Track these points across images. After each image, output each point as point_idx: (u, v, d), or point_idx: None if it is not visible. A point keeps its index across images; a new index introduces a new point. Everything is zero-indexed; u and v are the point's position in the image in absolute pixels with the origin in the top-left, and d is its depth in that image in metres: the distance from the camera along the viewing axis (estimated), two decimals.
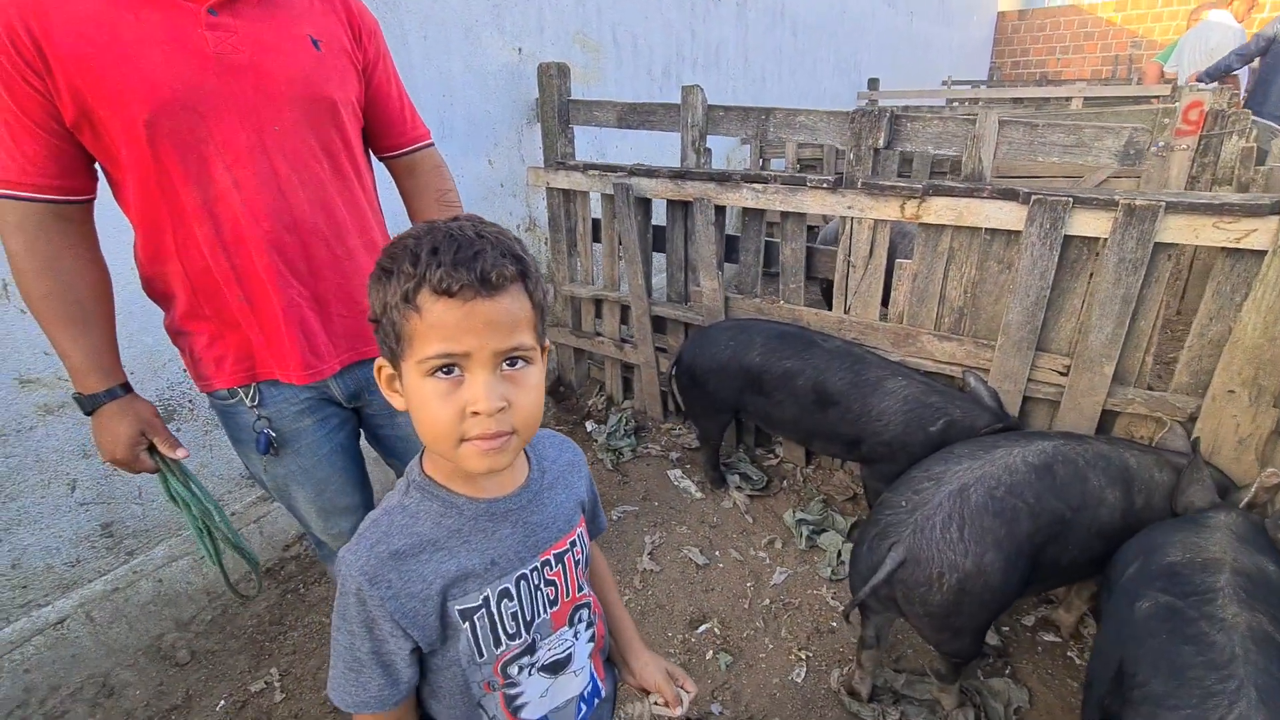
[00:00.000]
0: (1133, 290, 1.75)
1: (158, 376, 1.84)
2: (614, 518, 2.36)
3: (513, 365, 0.65)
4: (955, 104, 6.30)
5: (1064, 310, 1.91)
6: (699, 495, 2.46)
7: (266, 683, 1.77)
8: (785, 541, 2.23)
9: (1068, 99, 5.51)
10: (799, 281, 2.43)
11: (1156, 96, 4.96)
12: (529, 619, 0.76)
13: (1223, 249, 1.66)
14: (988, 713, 1.62)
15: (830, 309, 2.37)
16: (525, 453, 0.80)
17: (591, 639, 0.85)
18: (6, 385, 1.56)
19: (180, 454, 1.12)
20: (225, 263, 1.03)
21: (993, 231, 1.94)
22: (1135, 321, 1.80)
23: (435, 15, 2.41)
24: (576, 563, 0.82)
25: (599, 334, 2.99)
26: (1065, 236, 1.80)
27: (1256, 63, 4.48)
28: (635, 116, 2.64)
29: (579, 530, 0.83)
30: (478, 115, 2.68)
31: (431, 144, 1.32)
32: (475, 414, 0.63)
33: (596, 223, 2.86)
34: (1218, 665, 0.97)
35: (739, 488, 2.46)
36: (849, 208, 2.13)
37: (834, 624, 1.91)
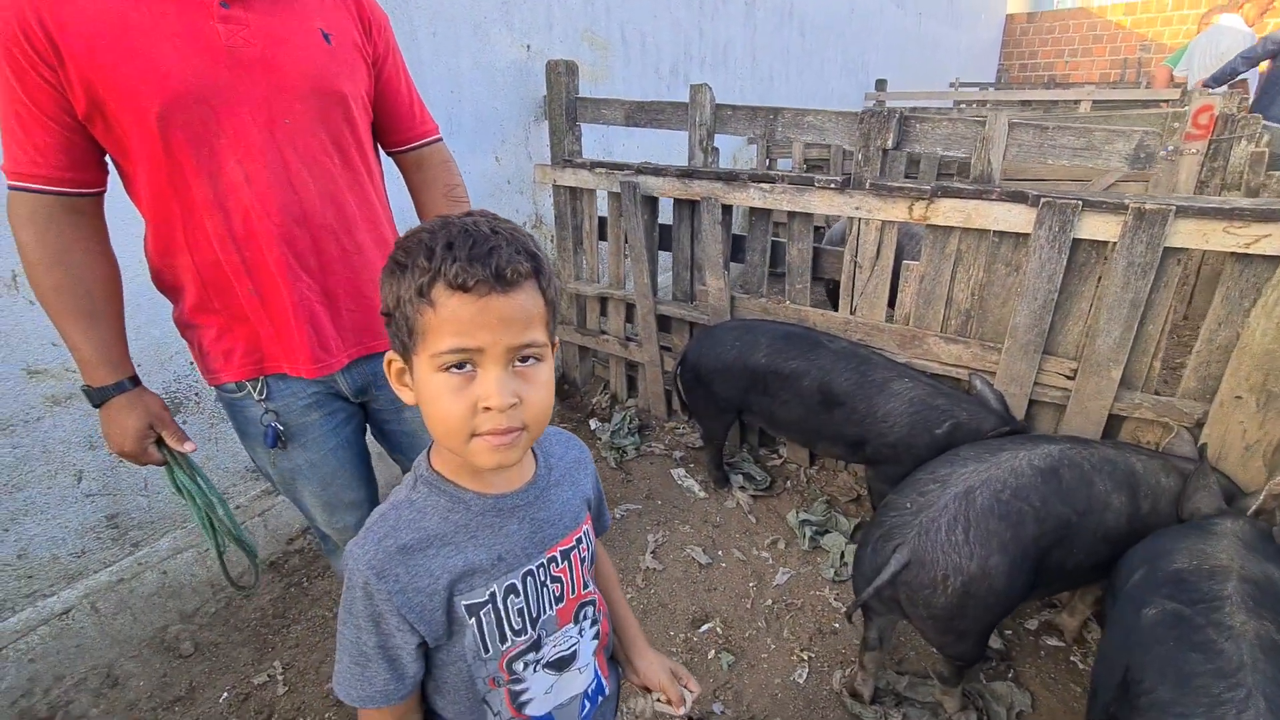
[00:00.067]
0: (1141, 294, 1.74)
1: (165, 369, 1.84)
2: (617, 516, 2.36)
3: (525, 361, 0.65)
4: (963, 106, 6.29)
5: (1071, 314, 1.90)
6: (702, 494, 2.46)
7: (269, 675, 1.78)
8: (788, 542, 2.23)
9: (1076, 102, 5.49)
10: (805, 282, 2.42)
11: (1166, 100, 4.94)
12: (535, 615, 0.76)
13: (1232, 254, 1.65)
14: (990, 716, 1.62)
15: (835, 310, 2.37)
16: (532, 449, 0.80)
17: (596, 636, 0.85)
18: (15, 376, 1.57)
19: (188, 447, 1.13)
20: (235, 256, 1.03)
21: (1001, 234, 1.93)
22: (1143, 326, 1.79)
23: (444, 11, 2.41)
24: (582, 560, 0.82)
25: (604, 332, 2.99)
26: (1074, 240, 1.80)
27: (1265, 66, 4.45)
28: (643, 115, 2.63)
29: (585, 527, 0.83)
30: (485, 112, 2.68)
31: (440, 139, 1.32)
32: (487, 409, 0.63)
33: (603, 221, 2.86)
34: (1226, 673, 0.97)
35: (742, 488, 2.46)
36: (857, 208, 2.13)
37: (836, 625, 1.90)
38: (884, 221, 2.13)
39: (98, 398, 1.05)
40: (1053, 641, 1.84)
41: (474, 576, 0.71)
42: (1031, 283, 1.88)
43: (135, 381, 1.09)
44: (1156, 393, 1.86)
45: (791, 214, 2.32)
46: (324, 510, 1.28)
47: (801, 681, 1.73)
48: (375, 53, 1.15)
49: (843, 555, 2.12)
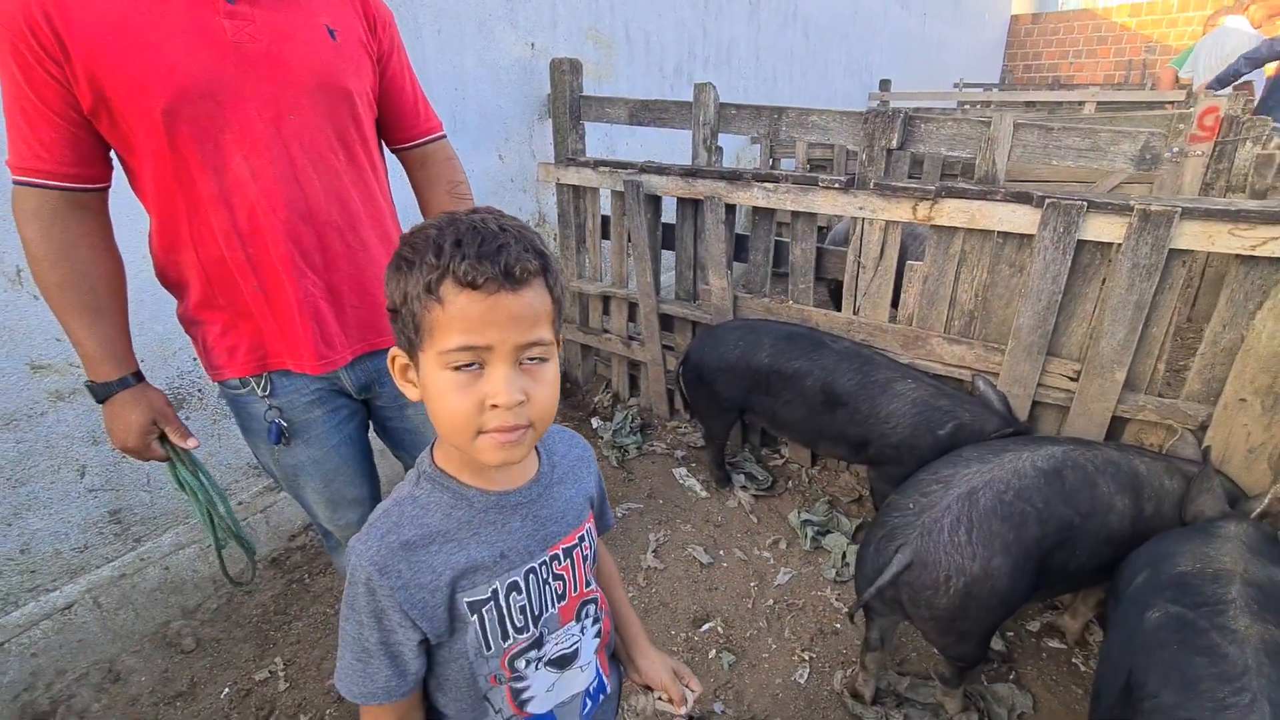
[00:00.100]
0: (1146, 296, 1.73)
1: (168, 365, 1.85)
2: (619, 515, 2.36)
3: (531, 359, 0.65)
4: (966, 107, 6.28)
5: (1075, 315, 1.90)
6: (704, 494, 2.46)
7: (271, 672, 1.78)
8: (790, 542, 2.22)
9: (1080, 103, 5.48)
10: (808, 282, 2.42)
11: (1171, 102, 4.93)
12: (537, 613, 0.76)
13: (1238, 256, 1.65)
14: (991, 717, 1.62)
15: (838, 310, 2.36)
16: (535, 447, 0.80)
17: (598, 635, 0.85)
18: (19, 371, 1.57)
19: (191, 444, 1.13)
20: (240, 252, 1.03)
21: (1005, 235, 1.93)
22: (1148, 328, 1.79)
23: (449, 9, 2.41)
24: (585, 558, 0.82)
25: (606, 331, 2.99)
26: (1078, 241, 1.79)
27: (1273, 69, 4.44)
28: (647, 113, 2.63)
29: (587, 525, 0.83)
30: (489, 110, 2.68)
31: (444, 136, 1.32)
32: (494, 407, 0.63)
33: (606, 219, 2.86)
34: (1230, 678, 0.97)
35: (744, 487, 2.46)
36: (860, 208, 2.12)
37: (838, 625, 1.90)
38: (888, 222, 2.13)
39: (101, 393, 1.05)
40: (1054, 643, 1.84)
41: (476, 573, 0.71)
42: (1035, 284, 1.87)
43: (139, 377, 1.09)
44: (1160, 395, 1.85)
45: (795, 214, 2.32)
46: (326, 507, 1.28)
47: (803, 682, 1.73)
48: (380, 49, 1.16)
49: (844, 556, 2.12)
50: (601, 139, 3.30)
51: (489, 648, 0.73)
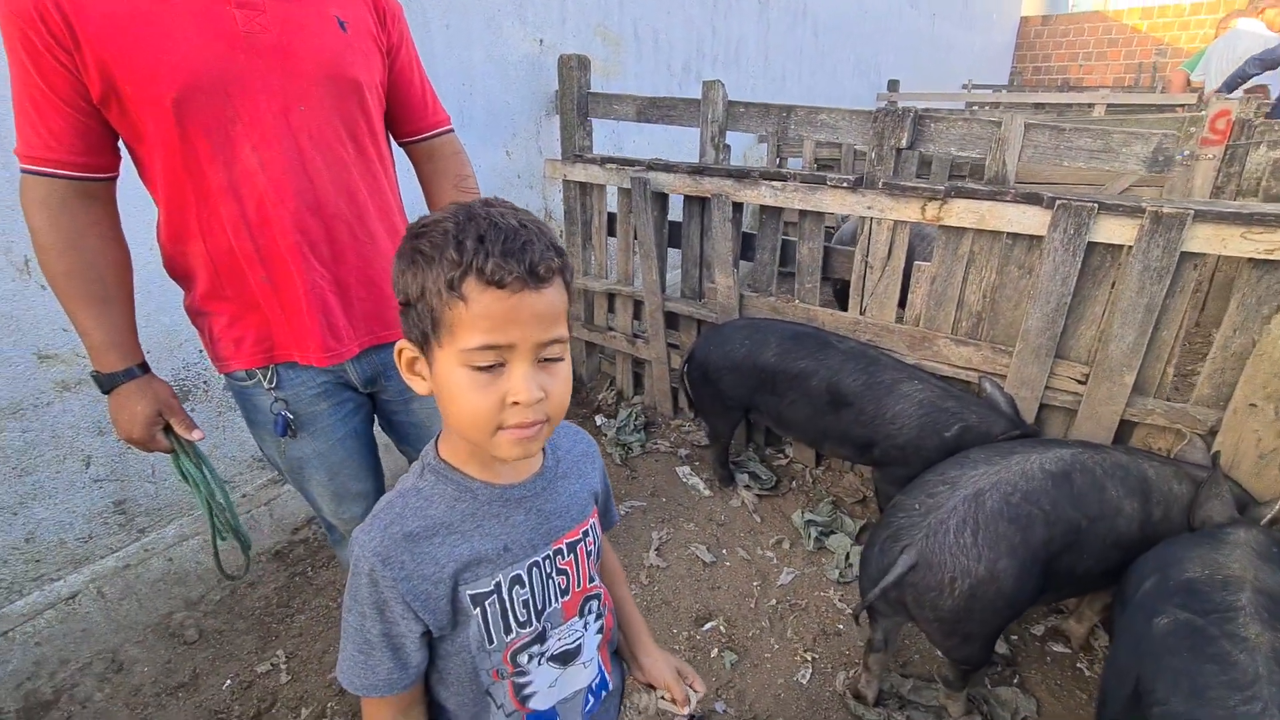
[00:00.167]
0: (1156, 299, 1.72)
1: (174, 356, 1.85)
2: (622, 513, 2.35)
3: (549, 357, 0.65)
4: (975, 108, 6.24)
5: (1084, 318, 1.89)
6: (707, 493, 2.45)
7: (273, 664, 1.78)
8: (793, 542, 2.22)
9: (1090, 106, 5.44)
10: (815, 281, 2.41)
11: (1182, 105, 4.89)
12: (540, 607, 0.75)
13: (1250, 260, 1.63)
14: None
15: (843, 309, 2.35)
16: None
17: (600, 631, 0.85)
18: (26, 360, 1.57)
19: (196, 436, 1.13)
20: (249, 243, 1.03)
21: (1014, 236, 1.92)
22: (1158, 331, 1.77)
23: (458, 4, 2.41)
24: (589, 553, 0.81)
25: (611, 328, 2.99)
26: (1089, 243, 1.78)
27: None
28: (655, 111, 2.62)
29: (591, 521, 0.83)
30: (497, 106, 2.67)
31: (451, 130, 1.32)
32: (515, 404, 0.63)
33: (612, 217, 2.85)
34: (1240, 686, 0.95)
35: (748, 487, 2.45)
36: (869, 208, 2.11)
37: (840, 626, 1.89)
38: (896, 221, 2.12)
39: (107, 384, 1.05)
40: (1059, 648, 1.83)
41: (480, 566, 0.71)
42: (1045, 286, 1.86)
43: (144, 368, 1.08)
44: (1169, 399, 1.84)
45: (803, 213, 2.31)
46: (331, 500, 1.28)
47: (805, 682, 1.73)
48: (390, 42, 1.15)
49: (848, 556, 2.11)
50: (609, 136, 3.29)
51: (491, 641, 0.72)
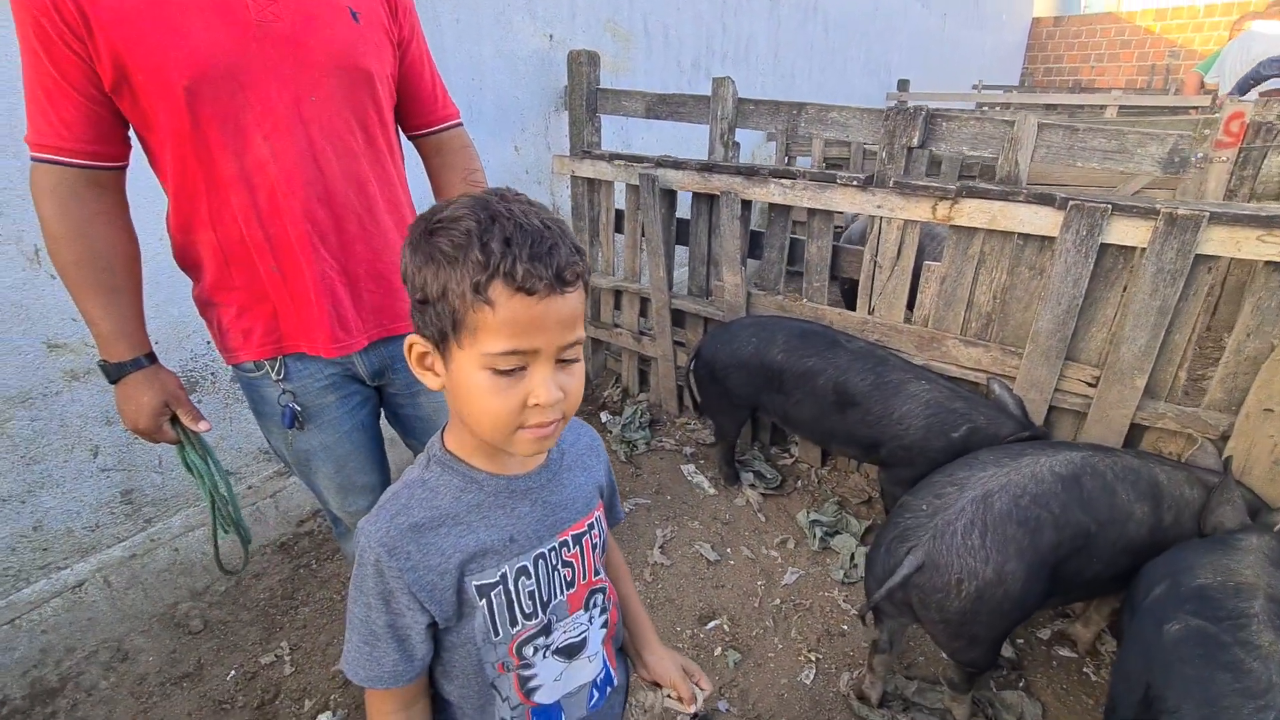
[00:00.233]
0: (1169, 302, 1.70)
1: (181, 348, 1.85)
2: (626, 510, 2.35)
3: (567, 357, 0.65)
4: (985, 108, 6.20)
5: (1096, 320, 1.87)
6: (712, 491, 2.45)
7: (277, 655, 1.78)
8: (798, 542, 2.21)
9: (1102, 107, 5.39)
10: (823, 280, 2.39)
11: (1195, 107, 4.84)
12: (545, 599, 0.75)
13: (1267, 263, 1.61)
14: None
15: (851, 309, 2.34)
16: None
17: (605, 625, 0.84)
18: (35, 349, 1.58)
19: (202, 427, 1.13)
20: (259, 232, 1.02)
21: (1026, 236, 1.90)
22: (1170, 334, 1.76)
23: None
24: (594, 546, 0.81)
25: (617, 325, 2.98)
26: (1101, 244, 1.76)
27: None
28: (664, 107, 2.61)
29: (597, 514, 0.83)
30: (506, 101, 2.67)
31: (461, 123, 1.32)
32: (535, 405, 0.63)
33: (619, 213, 2.85)
34: (1254, 694, 0.94)
35: (753, 485, 2.44)
36: (879, 207, 2.10)
37: (845, 627, 1.89)
38: (906, 221, 2.10)
39: (114, 373, 1.05)
40: (1065, 652, 1.81)
41: (485, 557, 0.70)
42: (1056, 287, 1.84)
43: (152, 358, 1.08)
44: (1180, 403, 1.82)
45: (812, 211, 2.30)
46: (337, 493, 1.28)
47: (808, 682, 1.72)
48: (401, 34, 1.15)
49: (853, 557, 2.10)
50: (617, 132, 3.29)
51: (497, 633, 0.72)
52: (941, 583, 1.40)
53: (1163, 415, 1.81)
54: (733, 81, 2.42)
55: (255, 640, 1.83)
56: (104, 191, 1.00)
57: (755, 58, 4.36)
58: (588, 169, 2.75)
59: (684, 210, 2.67)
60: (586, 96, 2.76)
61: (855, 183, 2.12)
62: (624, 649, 0.96)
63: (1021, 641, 1.84)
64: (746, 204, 2.42)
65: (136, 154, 1.03)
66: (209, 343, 1.88)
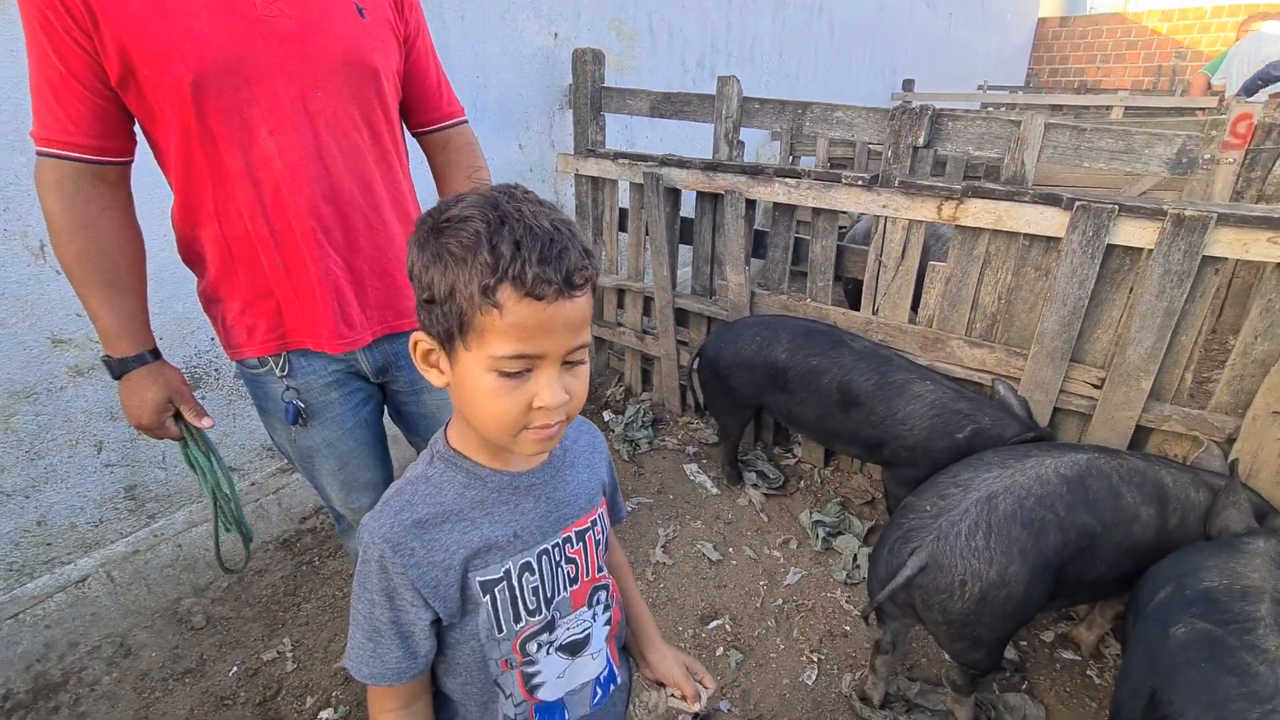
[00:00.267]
0: (1176, 303, 1.69)
1: (185, 344, 1.85)
2: (629, 509, 2.35)
3: (573, 360, 0.65)
4: (990, 109, 6.17)
5: (1101, 321, 1.86)
6: (714, 491, 2.44)
7: (279, 652, 1.79)
8: (800, 542, 2.20)
9: (1108, 108, 5.37)
10: (827, 280, 2.39)
11: (1202, 109, 4.81)
12: (549, 595, 0.75)
13: (1276, 265, 1.61)
14: None
15: (854, 309, 2.33)
16: None
17: (608, 622, 0.84)
18: (40, 345, 1.58)
19: (206, 423, 1.12)
20: (265, 228, 1.02)
21: (1031, 237, 1.89)
22: (1176, 336, 1.75)
23: None
24: (597, 543, 0.81)
25: (620, 324, 2.98)
26: (1108, 245, 1.75)
27: None
28: (669, 106, 2.61)
29: (600, 510, 0.83)
30: (510, 99, 2.67)
31: (465, 121, 1.31)
32: (540, 408, 0.63)
33: (623, 212, 2.84)
34: (1261, 699, 0.93)
35: (755, 485, 2.44)
36: (884, 206, 2.09)
37: (847, 628, 1.88)
38: (911, 221, 2.10)
39: (118, 369, 1.05)
40: (1068, 655, 1.81)
41: (489, 553, 0.70)
42: (1062, 288, 1.83)
43: (156, 354, 1.08)
44: (1186, 405, 1.81)
45: (816, 210, 2.29)
46: (340, 490, 1.28)
47: (810, 683, 1.72)
48: (407, 30, 1.15)
49: (855, 558, 2.09)
50: (621, 131, 3.28)
51: (501, 630, 0.72)
52: (945, 584, 1.39)
53: (1168, 417, 1.80)
54: (738, 80, 2.41)
55: (257, 636, 1.84)
56: (109, 187, 1.00)
57: (760, 57, 4.36)
58: (592, 167, 2.75)
59: (688, 209, 2.66)
60: (591, 95, 2.76)
61: (860, 182, 2.11)
62: (626, 648, 0.96)
63: (1025, 644, 1.83)
64: (751, 203, 2.41)
65: (142, 150, 1.03)
66: (213, 339, 1.89)
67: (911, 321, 2.21)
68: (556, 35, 2.80)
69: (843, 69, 5.50)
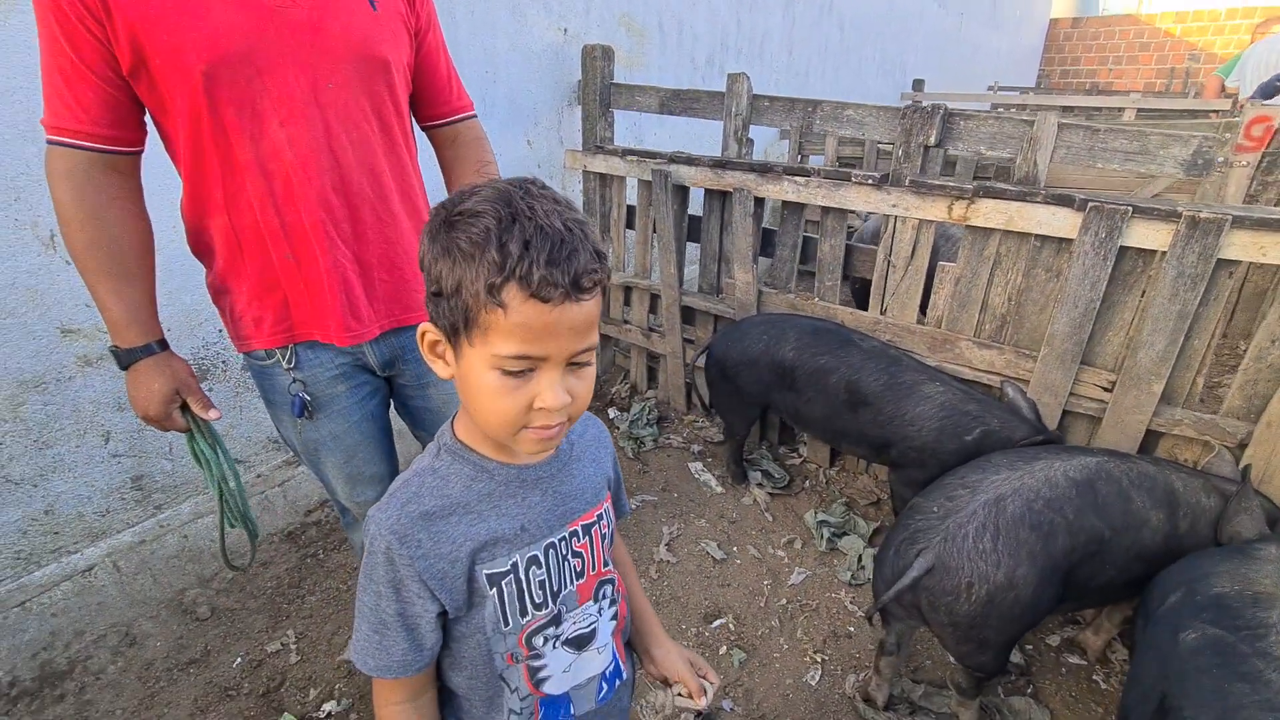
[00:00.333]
0: (1189, 307, 1.68)
1: (193, 335, 1.86)
2: (633, 506, 2.34)
3: (579, 362, 0.64)
4: (1000, 110, 6.13)
5: (1113, 324, 1.84)
6: (719, 489, 2.44)
7: (283, 644, 1.79)
8: (805, 542, 2.20)
9: (1120, 110, 5.32)
10: (835, 279, 2.38)
11: (1216, 111, 4.77)
12: (556, 589, 0.75)
13: None
14: None
15: (862, 309, 2.32)
16: None
17: (614, 617, 0.84)
18: (49, 335, 1.59)
19: (213, 415, 1.12)
20: (275, 219, 1.02)
21: (1043, 238, 1.88)
22: (1189, 340, 1.73)
23: None
24: (603, 537, 0.81)
25: (626, 321, 2.97)
26: (1121, 247, 1.74)
27: None
28: (678, 103, 2.60)
29: (605, 505, 0.82)
30: (519, 95, 2.66)
31: (475, 115, 1.31)
32: (541, 408, 0.62)
33: (631, 209, 2.84)
34: (1275, 706, 0.92)
35: (760, 485, 2.43)
36: (894, 206, 2.08)
37: (851, 629, 1.87)
38: (921, 220, 2.08)
39: (125, 359, 1.05)
40: (1074, 659, 1.79)
41: (496, 545, 0.70)
42: (1073, 290, 1.82)
43: (163, 345, 1.08)
44: (1197, 410, 1.79)
45: (825, 209, 2.28)
46: (345, 483, 1.28)
47: (814, 683, 1.71)
48: (418, 23, 1.14)
49: (860, 559, 2.08)
50: (630, 128, 3.27)
51: (507, 623, 0.72)
52: (952, 586, 1.38)
53: (1179, 421, 1.79)
54: (747, 77, 2.40)
55: (262, 628, 1.84)
56: (119, 176, 1.00)
57: (769, 55, 4.34)
58: (600, 164, 2.74)
59: (696, 207, 2.65)
60: (600, 91, 2.75)
61: (870, 181, 2.10)
62: (630, 644, 0.95)
63: (1030, 648, 1.82)
64: (759, 201, 2.40)
65: (152, 141, 1.03)
66: (220, 331, 1.89)
67: (920, 322, 2.20)
68: (566, 31, 2.80)
69: (852, 68, 5.47)
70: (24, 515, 1.63)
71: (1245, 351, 1.71)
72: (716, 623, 1.89)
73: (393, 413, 1.35)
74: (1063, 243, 1.85)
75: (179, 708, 1.61)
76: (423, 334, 0.67)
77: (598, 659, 0.81)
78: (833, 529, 2.20)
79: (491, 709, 0.76)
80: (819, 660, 1.77)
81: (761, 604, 1.95)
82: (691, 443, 2.72)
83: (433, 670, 0.74)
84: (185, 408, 1.11)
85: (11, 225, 1.48)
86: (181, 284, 1.76)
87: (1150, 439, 1.86)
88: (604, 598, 0.81)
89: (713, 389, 2.39)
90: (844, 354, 2.04)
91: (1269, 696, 0.94)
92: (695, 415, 2.88)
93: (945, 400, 1.89)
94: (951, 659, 1.55)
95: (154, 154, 1.04)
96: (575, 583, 0.77)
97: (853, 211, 2.26)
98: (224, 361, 1.94)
